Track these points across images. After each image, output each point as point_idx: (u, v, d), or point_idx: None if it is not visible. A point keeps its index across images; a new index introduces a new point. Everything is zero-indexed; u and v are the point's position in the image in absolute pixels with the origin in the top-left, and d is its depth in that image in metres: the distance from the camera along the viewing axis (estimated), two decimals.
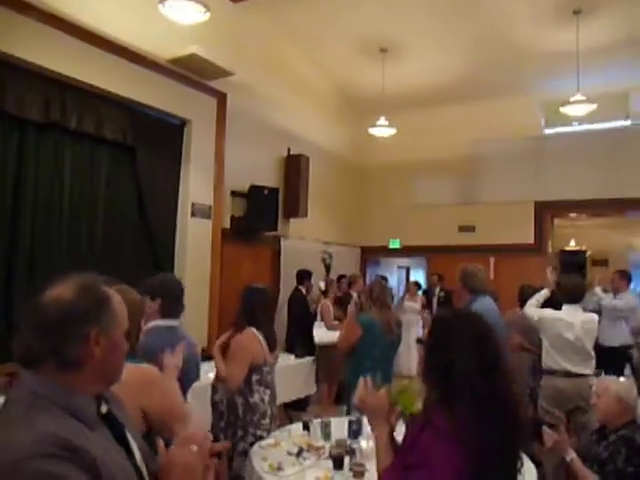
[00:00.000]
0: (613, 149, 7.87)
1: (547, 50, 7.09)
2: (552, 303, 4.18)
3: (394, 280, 10.92)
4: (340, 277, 7.54)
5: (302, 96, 8.03)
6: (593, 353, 4.00)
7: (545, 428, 2.85)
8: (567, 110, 6.53)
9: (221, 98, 6.16)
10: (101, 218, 5.02)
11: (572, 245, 10.37)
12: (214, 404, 3.33)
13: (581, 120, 7.53)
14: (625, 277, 5.67)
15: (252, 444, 2.95)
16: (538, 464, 3.00)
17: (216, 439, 1.68)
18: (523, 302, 4.70)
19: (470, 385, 1.45)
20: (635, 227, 11.06)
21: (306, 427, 3.11)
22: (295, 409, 5.48)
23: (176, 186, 5.76)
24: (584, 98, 6.40)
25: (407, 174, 9.19)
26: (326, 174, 8.43)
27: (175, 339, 2.42)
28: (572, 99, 6.41)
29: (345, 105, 9.16)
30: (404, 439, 1.55)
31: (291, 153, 7.50)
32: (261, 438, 2.98)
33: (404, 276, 11.31)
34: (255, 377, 3.08)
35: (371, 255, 9.89)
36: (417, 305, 8.26)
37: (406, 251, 9.54)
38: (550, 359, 3.99)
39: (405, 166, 9.17)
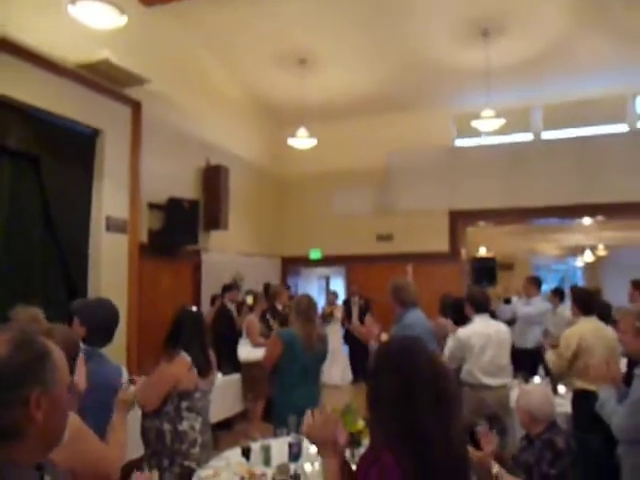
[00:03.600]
0: (518, 161, 8.38)
1: (459, 67, 7.43)
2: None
3: (314, 290, 10.94)
4: (266, 287, 7.41)
5: (220, 106, 7.86)
6: (509, 362, 4.18)
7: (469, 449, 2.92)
8: (478, 124, 6.86)
9: (135, 107, 5.87)
10: (3, 235, 4.59)
11: (482, 252, 10.93)
12: (142, 431, 3.13)
13: (490, 134, 7.95)
14: (535, 282, 6.01)
15: (180, 475, 2.78)
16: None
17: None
18: (443, 312, 4.86)
19: (393, 417, 1.40)
20: (537, 234, 11.86)
21: (245, 453, 2.99)
22: (221, 428, 5.30)
23: (88, 199, 5.40)
24: (493, 113, 6.76)
25: (326, 184, 9.26)
26: (246, 185, 8.30)
27: (102, 366, 2.28)
28: (482, 114, 6.75)
29: (264, 115, 9.08)
30: (356, 473, 1.50)
31: (210, 164, 7.30)
32: (189, 469, 2.81)
33: (324, 286, 11.38)
34: (185, 404, 2.91)
35: (291, 265, 9.85)
36: (337, 314, 8.32)
37: (326, 261, 9.60)
38: (470, 374, 4.10)
39: (324, 176, 9.24)
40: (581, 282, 14.29)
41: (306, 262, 9.71)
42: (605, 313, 4.75)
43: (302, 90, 7.59)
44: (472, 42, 6.93)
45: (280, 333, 3.67)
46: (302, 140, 7.57)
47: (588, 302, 4.21)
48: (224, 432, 5.29)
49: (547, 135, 8.63)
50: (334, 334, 8.25)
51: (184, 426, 2.89)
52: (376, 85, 7.98)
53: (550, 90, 8.13)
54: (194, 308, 3.07)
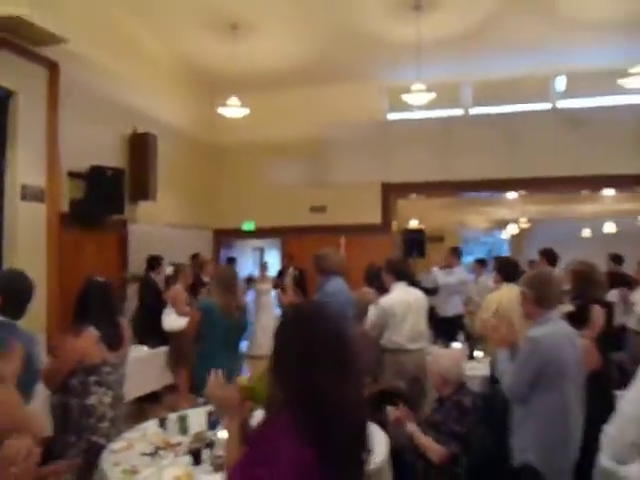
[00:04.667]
0: (448, 135, 8.58)
1: (392, 40, 7.44)
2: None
3: (249, 262, 10.91)
4: (194, 256, 7.29)
5: (148, 71, 7.56)
6: (427, 327, 4.39)
7: (388, 407, 3.07)
8: (408, 98, 6.94)
9: (52, 68, 5.53)
10: None
11: (414, 224, 11.20)
12: (51, 408, 3.04)
13: (421, 107, 8.07)
14: (456, 254, 6.26)
15: (87, 450, 2.73)
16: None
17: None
18: (369, 281, 4.97)
19: (291, 377, 1.44)
20: (467, 207, 12.27)
21: (162, 423, 2.98)
22: (150, 402, 5.25)
23: (1, 166, 5.10)
24: (424, 87, 6.85)
25: (259, 155, 9.15)
26: (177, 154, 8.08)
27: (12, 336, 2.21)
28: (413, 87, 6.83)
29: (196, 82, 8.81)
30: (252, 433, 1.53)
31: (137, 131, 7.03)
32: (97, 444, 2.76)
33: (259, 257, 11.35)
34: (93, 378, 2.83)
35: (224, 237, 9.75)
36: (267, 286, 8.32)
37: (260, 232, 9.56)
38: (391, 341, 4.27)
39: (258, 146, 9.12)
40: (507, 253, 14.98)
41: (239, 234, 9.63)
42: None
43: (234, 57, 7.39)
44: (404, 15, 6.95)
45: (199, 302, 3.68)
46: (233, 109, 7.42)
47: (510, 271, 4.45)
48: (152, 405, 5.25)
49: (476, 111, 8.87)
50: (266, 306, 8.29)
51: (92, 400, 2.82)
52: (309, 55, 7.89)
53: (479, 67, 8.31)
54: (100, 278, 2.97)
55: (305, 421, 1.38)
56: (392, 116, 9.08)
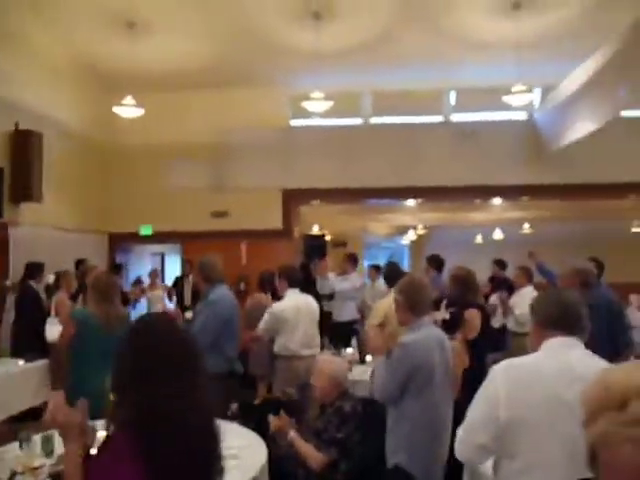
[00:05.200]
0: (349, 143, 8.75)
1: (293, 47, 7.48)
2: None
3: (148, 268, 10.48)
4: (78, 262, 6.87)
5: (35, 65, 7.08)
6: (318, 333, 4.45)
7: (269, 416, 3.05)
8: (308, 105, 7.01)
9: None
10: None
11: (315, 230, 11.33)
12: None
13: (322, 115, 8.18)
14: (351, 260, 6.39)
15: None
16: None
17: None
18: (262, 287, 4.95)
19: (126, 393, 1.38)
20: (369, 213, 12.59)
21: (23, 445, 2.75)
22: (25, 419, 4.86)
23: None
24: (323, 95, 6.95)
25: (159, 157, 8.84)
26: (68, 153, 7.64)
27: None
28: (312, 95, 6.90)
29: (90, 80, 8.37)
30: (89, 462, 1.43)
31: (19, 128, 6.55)
32: None
33: (159, 263, 10.95)
34: None
35: (121, 242, 9.32)
36: (159, 293, 8.01)
37: (158, 237, 9.23)
38: (284, 347, 4.29)
39: (157, 149, 8.81)
40: (407, 259, 15.58)
41: (137, 238, 9.24)
42: None
43: (132, 56, 7.09)
44: (304, 23, 7.01)
45: (73, 312, 3.44)
46: (129, 109, 7.11)
47: (395, 277, 4.58)
48: (28, 423, 4.87)
49: (376, 120, 9.14)
50: None
51: None
52: (209, 57, 7.75)
53: (379, 78, 8.58)
54: None
55: (142, 441, 1.31)
56: (295, 123, 9.13)
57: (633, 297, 4.87)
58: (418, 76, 8.43)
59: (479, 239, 14.37)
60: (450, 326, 3.09)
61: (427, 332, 2.66)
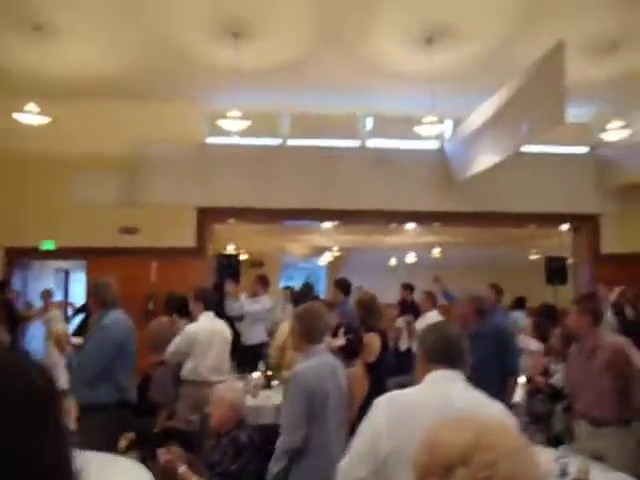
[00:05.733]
0: (267, 163, 8.73)
1: (212, 64, 7.39)
2: None
3: (50, 285, 9.84)
4: None
5: None
6: (229, 359, 4.33)
7: (159, 450, 2.90)
8: (224, 123, 6.92)
9: None
10: None
11: (230, 249, 11.16)
12: None
13: (240, 134, 8.10)
14: (262, 281, 6.31)
15: None
16: None
17: None
18: (168, 310, 4.76)
19: None
20: (286, 233, 12.58)
21: None
22: None
23: None
24: (240, 114, 6.89)
25: (64, 168, 8.37)
26: None
27: None
28: (229, 114, 6.83)
29: None
30: None
31: None
32: None
33: (63, 280, 10.32)
34: None
35: (19, 257, 8.69)
36: (57, 313, 7.50)
37: (62, 253, 8.70)
38: (194, 372, 4.14)
39: (63, 159, 8.33)
40: (324, 280, 15.70)
41: (38, 254, 8.65)
42: None
43: (37, 60, 6.70)
44: (224, 41, 6.94)
45: None
46: (31, 116, 6.69)
47: (300, 299, 4.59)
48: None
49: (294, 142, 9.18)
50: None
51: None
52: (123, 67, 7.47)
53: (298, 100, 8.65)
54: None
55: None
56: (212, 140, 8.99)
57: (527, 322, 5.13)
58: (336, 100, 8.58)
59: (393, 262, 14.75)
60: (349, 352, 3.09)
61: (320, 360, 2.64)
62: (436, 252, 13.84)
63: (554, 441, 4.06)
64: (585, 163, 8.86)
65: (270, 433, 3.19)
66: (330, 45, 7.20)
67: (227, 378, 4.38)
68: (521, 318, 6.83)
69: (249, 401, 4.25)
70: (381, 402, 1.76)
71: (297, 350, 2.71)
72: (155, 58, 7.33)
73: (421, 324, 5.79)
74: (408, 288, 7.32)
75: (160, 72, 7.65)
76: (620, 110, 7.51)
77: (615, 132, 7.05)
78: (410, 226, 11.14)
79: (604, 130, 7.21)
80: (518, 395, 4.41)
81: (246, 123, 6.97)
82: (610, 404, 3.18)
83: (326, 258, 15.18)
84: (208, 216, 8.76)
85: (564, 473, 2.93)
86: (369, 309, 3.72)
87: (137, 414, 4.13)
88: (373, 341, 3.44)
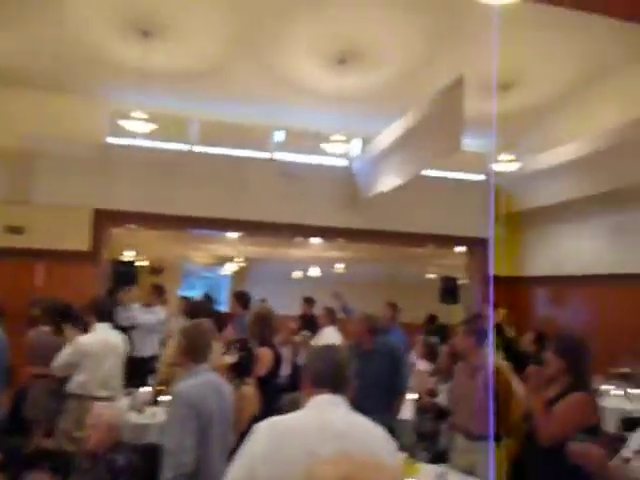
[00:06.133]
0: (173, 169, 8.46)
1: (119, 63, 7.08)
2: None
3: None
4: None
5: None
6: (120, 374, 4.12)
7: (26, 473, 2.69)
8: (127, 124, 6.64)
9: None
10: None
11: (129, 255, 10.68)
12: None
13: (145, 136, 7.79)
14: (157, 290, 6.07)
15: None
16: None
17: None
18: (50, 319, 4.43)
19: None
20: (190, 241, 12.24)
21: None
22: None
23: None
24: (144, 115, 6.63)
25: None
26: None
27: None
28: (133, 114, 6.55)
29: None
30: None
31: None
32: None
33: None
34: None
35: None
36: None
37: None
38: (82, 386, 3.90)
39: None
40: (227, 290, 15.44)
41: None
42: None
43: None
44: (133, 39, 6.68)
45: None
46: None
47: (196, 312, 4.45)
48: None
49: (202, 149, 8.99)
50: None
51: None
52: (19, 54, 6.95)
53: (208, 106, 8.50)
54: None
55: None
56: (114, 140, 8.57)
57: (418, 339, 5.34)
58: (247, 111, 8.53)
59: (297, 275, 14.83)
60: (242, 369, 3.03)
61: (203, 378, 2.55)
62: (340, 267, 14.08)
63: (439, 458, 4.23)
64: (479, 190, 9.45)
65: (155, 453, 3.05)
66: (244, 55, 7.16)
67: (115, 394, 4.15)
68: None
69: (134, 418, 4.05)
70: (261, 427, 1.73)
71: (180, 366, 2.61)
72: (54, 47, 6.88)
73: (319, 339, 5.84)
74: (309, 302, 7.37)
75: (61, 63, 7.21)
76: (510, 143, 8.12)
77: (505, 164, 7.59)
78: (315, 240, 11.26)
79: (497, 161, 7.74)
80: (408, 412, 4.55)
81: (151, 126, 6.73)
82: (484, 420, 3.36)
83: (230, 268, 14.95)
84: (105, 219, 8.30)
85: None
86: (264, 323, 3.69)
87: (7, 432, 3.80)
88: (265, 355, 3.41)
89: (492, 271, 8.11)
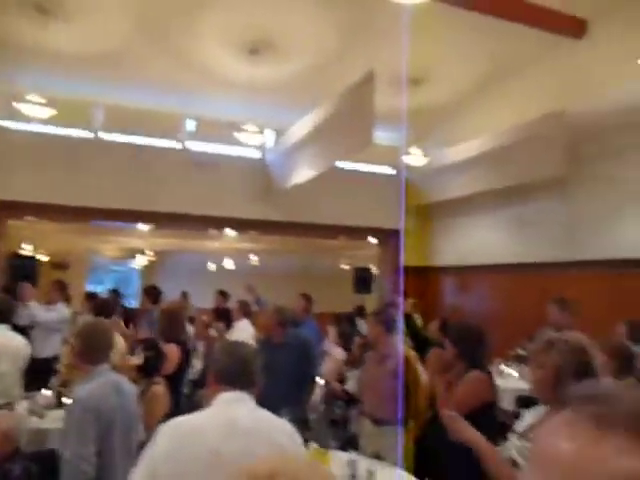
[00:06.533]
0: (76, 157, 7.98)
1: (16, 42, 6.57)
2: None
3: None
4: None
5: None
6: (19, 379, 3.85)
7: None
8: (24, 108, 6.17)
9: None
10: None
11: (27, 249, 9.98)
12: None
13: (44, 121, 7.27)
14: (58, 287, 5.72)
15: None
16: None
17: None
18: None
19: None
20: (96, 234, 11.64)
21: None
22: None
23: None
24: (43, 100, 6.20)
25: None
26: None
27: None
28: (28, 97, 6.10)
29: None
30: None
31: None
32: None
33: None
34: None
35: None
36: None
37: None
38: None
39: None
40: (138, 283, 14.89)
41: None
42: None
43: None
44: (32, 18, 6.21)
45: None
46: None
47: (103, 309, 4.26)
48: None
49: (108, 136, 8.55)
50: None
51: None
52: None
53: (114, 92, 8.09)
54: None
55: None
56: (7, 124, 7.94)
57: (330, 329, 5.42)
58: (157, 97, 8.21)
59: (212, 267, 14.57)
60: (149, 369, 2.93)
61: (104, 380, 2.44)
62: (254, 259, 14.00)
63: (349, 443, 4.33)
64: (391, 182, 9.72)
65: (55, 460, 2.89)
66: (153, 40, 6.88)
67: (13, 400, 3.87)
68: (362, 325, 7.14)
69: (34, 423, 3.81)
70: (165, 428, 1.70)
71: (76, 368, 2.48)
72: None
73: (232, 333, 5.78)
74: (223, 295, 7.25)
75: None
76: (420, 138, 8.42)
77: (415, 158, 7.86)
78: (229, 232, 11.10)
79: (407, 155, 8.00)
80: (317, 397, 4.62)
81: (51, 110, 6.30)
82: (390, 406, 3.50)
83: (141, 261, 14.40)
84: (1, 210, 7.70)
85: (354, 475, 3.13)
86: (172, 320, 3.59)
87: None
88: (172, 352, 3.32)
89: (402, 262, 8.44)
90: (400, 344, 4.02)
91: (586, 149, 6.65)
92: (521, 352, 6.12)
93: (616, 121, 6.20)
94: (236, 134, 7.16)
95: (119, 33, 6.76)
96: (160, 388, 2.95)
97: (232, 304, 7.19)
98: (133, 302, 14.05)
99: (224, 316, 6.51)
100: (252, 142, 7.39)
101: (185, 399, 4.68)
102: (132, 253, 14.15)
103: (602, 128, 6.42)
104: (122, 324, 3.28)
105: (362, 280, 9.82)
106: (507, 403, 5.12)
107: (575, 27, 6.43)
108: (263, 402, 1.92)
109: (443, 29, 6.41)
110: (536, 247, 7.81)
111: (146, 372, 2.89)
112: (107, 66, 7.30)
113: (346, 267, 13.84)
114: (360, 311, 8.34)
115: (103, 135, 8.49)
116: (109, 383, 2.43)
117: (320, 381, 4.52)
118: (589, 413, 0.49)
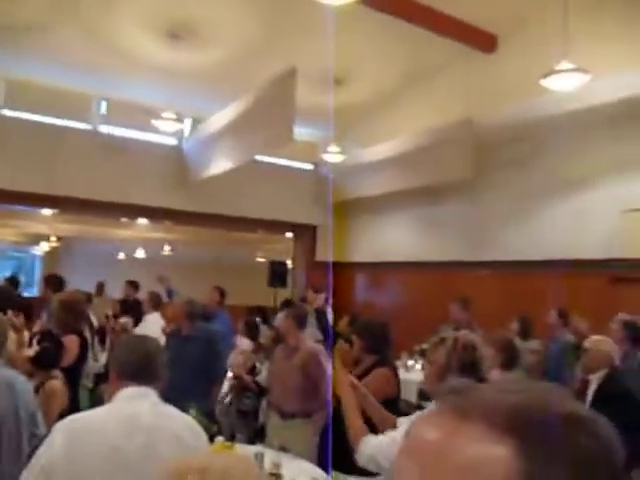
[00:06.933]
0: None
1: None
2: None
3: None
4: None
5: None
6: None
7: None
8: None
9: None
10: None
11: None
12: None
13: None
14: None
15: None
16: None
17: None
18: None
19: None
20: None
21: None
22: None
23: None
24: None
25: None
26: None
27: None
28: None
29: None
30: None
31: None
32: None
33: None
34: None
35: None
36: None
37: None
38: None
39: None
40: (40, 270, 14.04)
41: None
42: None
43: None
44: None
45: None
46: None
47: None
48: None
49: (10, 113, 7.96)
50: None
51: None
52: None
53: (18, 66, 7.54)
54: None
55: None
56: None
57: (240, 323, 5.40)
58: (68, 76, 7.75)
59: (122, 256, 14.01)
60: (45, 362, 2.79)
61: None
62: (167, 249, 13.61)
63: (258, 435, 4.36)
64: (309, 178, 9.81)
65: None
66: (64, 14, 6.49)
67: None
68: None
69: None
70: (60, 425, 1.64)
71: None
72: None
73: (142, 326, 5.59)
74: (133, 285, 7.01)
75: None
76: (340, 136, 8.56)
77: (333, 155, 7.98)
78: (142, 221, 10.73)
79: (326, 151, 8.10)
80: (225, 389, 4.61)
81: None
82: (297, 399, 3.57)
83: (43, 247, 13.55)
84: None
85: (260, 468, 3.16)
86: (74, 310, 3.44)
87: None
88: (71, 343, 3.19)
89: (331, 257, 8.56)
90: (309, 338, 4.10)
91: (491, 156, 7.07)
92: (425, 347, 6.40)
93: (514, 134, 6.66)
94: (153, 121, 6.93)
95: (24, 5, 6.31)
96: (57, 382, 2.82)
97: (142, 295, 6.98)
98: (34, 291, 13.21)
99: (133, 308, 6.31)
100: (168, 130, 7.19)
101: (88, 393, 4.50)
102: (35, 239, 13.27)
103: (504, 138, 6.86)
104: (12, 315, 3.08)
105: (277, 274, 9.83)
106: (411, 395, 5.37)
107: (486, 42, 6.81)
108: (170, 395, 1.90)
109: (364, 30, 6.56)
110: (442, 247, 8.21)
111: (42, 365, 2.75)
112: (9, 37, 6.78)
113: (262, 260, 13.80)
114: (287, 305, 8.38)
115: (5, 112, 7.89)
116: (0, 381, 2.29)
117: (229, 373, 4.51)
118: (452, 404, 0.54)
